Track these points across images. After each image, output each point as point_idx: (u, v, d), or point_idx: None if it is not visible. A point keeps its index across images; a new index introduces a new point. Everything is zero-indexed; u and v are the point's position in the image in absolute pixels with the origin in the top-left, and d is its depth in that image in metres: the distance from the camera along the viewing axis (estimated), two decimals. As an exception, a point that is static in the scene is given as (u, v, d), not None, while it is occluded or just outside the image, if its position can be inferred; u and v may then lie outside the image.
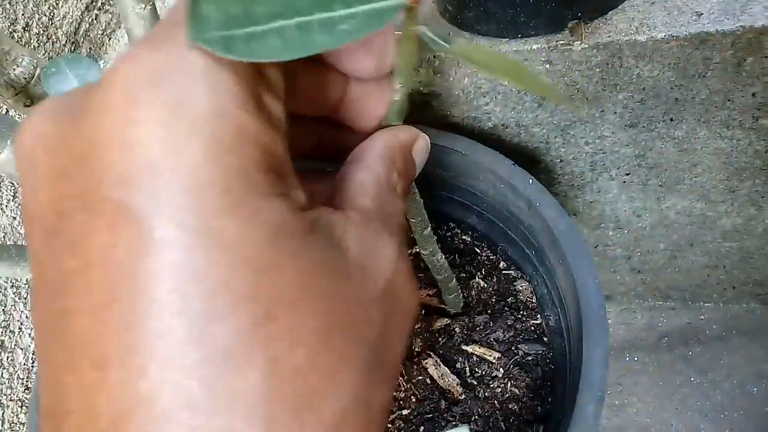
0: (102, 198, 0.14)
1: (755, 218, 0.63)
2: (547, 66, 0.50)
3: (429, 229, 0.38)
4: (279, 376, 0.14)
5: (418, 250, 0.42)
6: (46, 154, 0.15)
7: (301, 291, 0.14)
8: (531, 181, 0.45)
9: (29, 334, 0.54)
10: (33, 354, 0.55)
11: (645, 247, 0.68)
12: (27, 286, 0.55)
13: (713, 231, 0.65)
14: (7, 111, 0.52)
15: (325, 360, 0.14)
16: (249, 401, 0.13)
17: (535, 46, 0.49)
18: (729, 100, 0.52)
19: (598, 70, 0.50)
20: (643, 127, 0.55)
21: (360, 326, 0.16)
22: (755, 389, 0.63)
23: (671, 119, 0.54)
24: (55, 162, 0.15)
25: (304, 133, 0.23)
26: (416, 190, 0.33)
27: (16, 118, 0.46)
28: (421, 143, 0.23)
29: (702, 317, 0.69)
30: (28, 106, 0.37)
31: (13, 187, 0.53)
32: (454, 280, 0.46)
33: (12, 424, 0.53)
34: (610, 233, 0.67)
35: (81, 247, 0.14)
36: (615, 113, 0.54)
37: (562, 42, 0.49)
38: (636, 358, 0.67)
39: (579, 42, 0.48)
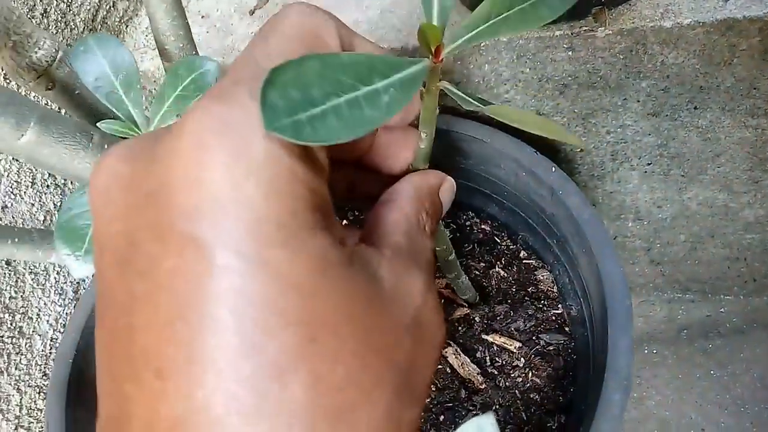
0: (171, 230, 0.15)
1: (778, 210, 0.62)
2: (570, 53, 0.49)
3: (453, 255, 0.39)
4: (320, 390, 0.15)
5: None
6: (121, 191, 0.17)
7: (342, 316, 0.16)
8: (554, 169, 0.45)
9: (47, 321, 0.54)
10: (51, 341, 0.55)
11: (665, 238, 0.67)
12: (45, 272, 0.55)
13: (735, 222, 0.64)
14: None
15: (362, 379, 0.16)
16: (292, 411, 0.15)
17: (557, 33, 0.48)
18: (755, 88, 0.51)
19: (621, 57, 0.49)
20: (666, 115, 0.54)
21: (392, 350, 0.17)
22: (776, 383, 0.62)
23: (695, 108, 0.53)
24: (129, 199, 0.17)
25: (338, 178, 0.25)
26: (441, 222, 0.33)
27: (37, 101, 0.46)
28: (447, 185, 0.25)
29: (722, 310, 0.68)
30: (50, 89, 0.37)
31: (31, 173, 0.53)
32: (474, 292, 0.47)
33: (30, 410, 0.53)
34: (630, 224, 0.66)
35: (150, 273, 0.16)
36: (638, 101, 0.53)
37: (585, 28, 0.48)
38: (655, 351, 0.66)
39: (603, 28, 0.48)
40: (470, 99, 0.23)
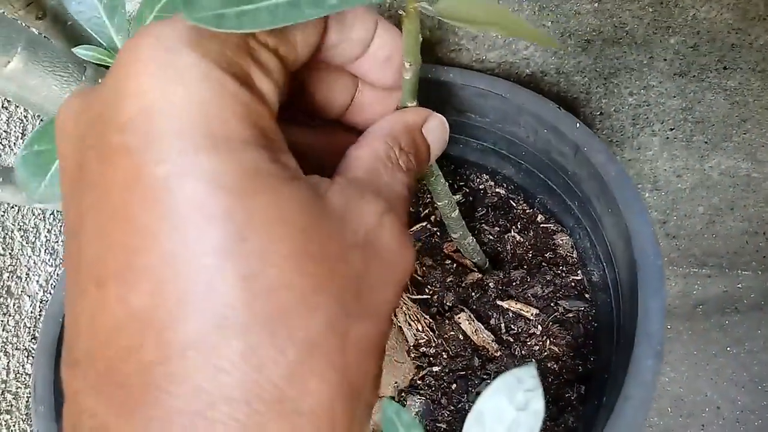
0: (109, 144, 0.16)
1: (803, 181, 0.59)
2: (596, 4, 0.46)
3: (457, 212, 0.36)
4: (252, 291, 0.15)
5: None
6: (73, 121, 0.18)
7: (276, 218, 0.16)
8: (578, 125, 0.42)
9: (37, 281, 0.52)
10: (41, 302, 0.52)
11: (682, 210, 0.64)
12: (35, 230, 0.52)
13: (756, 194, 0.61)
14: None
15: (298, 282, 0.16)
16: (222, 312, 0.15)
17: (584, -19, 0.45)
18: (790, 47, 0.48)
19: (650, 10, 0.46)
20: (694, 76, 0.51)
21: (337, 263, 0.17)
22: (795, 361, 0.60)
23: (724, 68, 0.50)
24: (79, 126, 0.18)
25: (322, 139, 0.25)
26: (439, 173, 0.31)
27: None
28: (433, 122, 0.25)
29: (739, 285, 0.65)
30: (40, 18, 0.34)
31: (22, 123, 0.50)
32: (483, 257, 0.45)
33: (17, 374, 0.51)
34: (647, 195, 0.64)
35: (93, 188, 0.16)
36: (664, 60, 0.50)
37: (614, -23, 0.45)
38: (670, 326, 0.64)
39: (633, -23, 0.45)
40: (428, 6, 0.21)
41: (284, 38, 0.19)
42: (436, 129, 0.25)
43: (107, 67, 0.28)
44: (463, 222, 0.39)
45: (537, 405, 0.21)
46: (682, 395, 0.60)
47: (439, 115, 0.26)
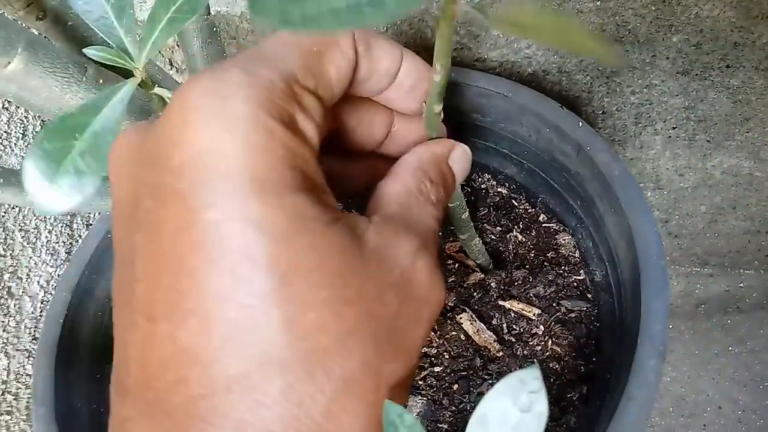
0: (162, 186, 0.17)
1: (806, 180, 0.59)
2: (598, 3, 0.46)
3: (467, 214, 0.36)
4: (292, 333, 0.16)
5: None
6: (128, 157, 0.19)
7: (316, 264, 0.17)
8: (581, 124, 0.42)
9: (38, 282, 0.52)
10: (42, 303, 0.52)
11: (685, 209, 0.64)
12: (36, 231, 0.52)
13: (759, 193, 0.61)
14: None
15: (335, 325, 0.17)
16: (264, 352, 0.16)
17: (586, -20, 0.45)
18: (793, 46, 0.48)
19: (653, 8, 0.46)
20: (696, 74, 0.51)
21: (372, 304, 0.18)
22: (797, 360, 0.60)
23: (727, 66, 0.50)
24: (134, 163, 0.18)
25: (358, 169, 0.26)
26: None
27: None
28: (458, 152, 0.26)
29: (741, 285, 0.65)
30: (41, 19, 0.33)
31: (23, 124, 0.50)
32: (487, 257, 0.44)
33: (18, 375, 0.51)
34: (649, 194, 0.64)
35: (146, 227, 0.17)
36: (667, 58, 0.50)
37: (616, -25, 0.45)
38: (671, 326, 0.64)
39: (635, -25, 0.44)
40: (479, 15, 0.21)
41: (321, 78, 0.20)
42: (460, 158, 0.26)
43: (114, 68, 0.28)
44: (472, 224, 0.39)
45: (541, 407, 0.21)
46: (683, 395, 0.60)
47: (463, 144, 0.27)
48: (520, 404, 0.22)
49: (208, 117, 0.17)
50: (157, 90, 0.29)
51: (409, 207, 0.22)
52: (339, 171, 0.26)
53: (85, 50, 0.27)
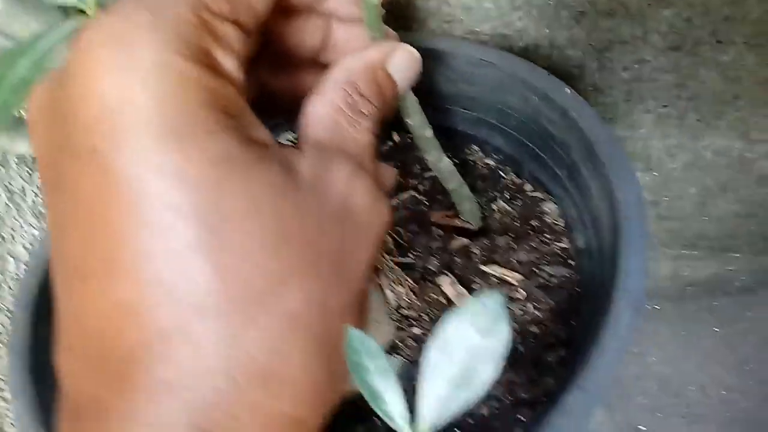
0: (77, 145, 0.16)
1: (796, 163, 0.59)
2: (590, -27, 0.46)
3: (430, 131, 0.35)
4: (227, 280, 0.16)
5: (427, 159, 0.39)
6: (42, 116, 0.18)
7: (247, 207, 0.16)
8: (569, 91, 0.42)
9: (22, 244, 0.52)
10: (25, 265, 0.52)
11: (674, 191, 0.64)
12: (22, 192, 0.52)
13: (749, 175, 0.61)
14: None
15: (273, 267, 0.16)
16: (199, 300, 0.16)
17: (577, -51, 0.45)
18: (784, 21, 0.48)
19: (644, -20, 0.46)
20: (688, 50, 0.51)
21: (313, 239, 0.17)
22: (783, 343, 0.60)
23: (718, 41, 0.50)
24: (48, 124, 0.18)
25: (298, 79, 0.25)
26: (409, 92, 0.29)
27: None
28: (398, 57, 0.24)
29: (730, 268, 0.65)
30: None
31: None
32: (465, 186, 0.43)
33: None
34: (639, 175, 0.64)
35: (67, 189, 0.17)
36: (659, 33, 0.50)
37: (607, -55, 0.45)
38: (658, 306, 0.64)
39: (626, -55, 0.44)
40: None
41: (237, 1, 0.19)
42: (401, 63, 0.24)
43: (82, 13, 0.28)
44: (438, 143, 0.38)
45: (502, 331, 0.21)
46: (668, 376, 0.60)
47: (406, 45, 0.25)
48: (481, 328, 0.22)
49: (115, 66, 0.16)
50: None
51: (339, 126, 0.21)
52: (274, 84, 0.25)
53: None
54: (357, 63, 0.23)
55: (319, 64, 0.26)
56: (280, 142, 0.20)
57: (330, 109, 0.21)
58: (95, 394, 0.16)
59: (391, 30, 0.26)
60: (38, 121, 0.18)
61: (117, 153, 0.16)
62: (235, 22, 0.18)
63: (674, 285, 0.66)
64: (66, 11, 0.32)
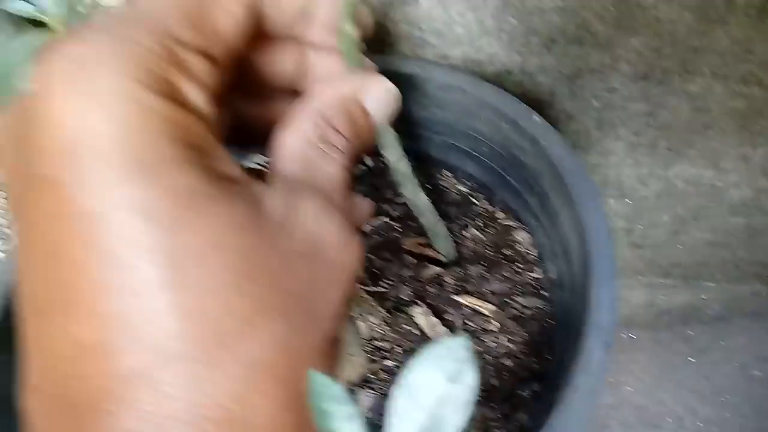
0: (34, 175, 0.16)
1: (766, 191, 0.59)
2: (559, 2, 0.46)
3: (408, 166, 0.34)
4: (190, 321, 0.15)
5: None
6: (5, 139, 0.17)
7: (211, 246, 0.16)
8: (538, 119, 0.41)
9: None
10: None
11: (647, 219, 0.64)
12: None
13: (720, 204, 0.61)
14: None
15: (238, 307, 0.16)
16: (162, 342, 0.15)
17: (547, -22, 0.45)
18: (750, 52, 0.48)
19: (612, 9, 0.46)
20: (657, 80, 0.51)
21: (281, 278, 0.17)
22: (757, 372, 0.59)
23: (686, 71, 0.50)
24: (9, 145, 0.17)
25: (272, 108, 0.24)
26: (386, 126, 0.29)
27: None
28: (374, 91, 0.23)
29: (704, 296, 0.65)
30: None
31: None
32: (441, 222, 0.42)
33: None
34: (612, 202, 0.64)
35: (25, 217, 0.16)
36: (628, 62, 0.50)
37: (576, -26, 0.45)
38: (633, 336, 0.63)
39: (595, -25, 0.45)
40: None
41: (208, 31, 0.18)
42: (379, 98, 0.24)
43: (43, 24, 0.27)
44: (415, 180, 0.37)
45: (469, 378, 0.20)
46: (644, 405, 0.59)
47: (382, 79, 0.24)
48: (448, 374, 0.21)
49: (76, 93, 0.15)
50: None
51: (310, 160, 0.20)
52: (248, 112, 0.24)
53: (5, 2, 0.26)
54: (330, 95, 0.22)
55: (295, 93, 0.25)
56: (250, 176, 0.19)
57: (301, 142, 0.21)
58: None
59: (368, 60, 0.25)
60: (4, 146, 0.18)
61: (78, 185, 0.15)
62: (204, 53, 0.18)
63: (649, 313, 0.65)
64: (20, 23, 0.31)
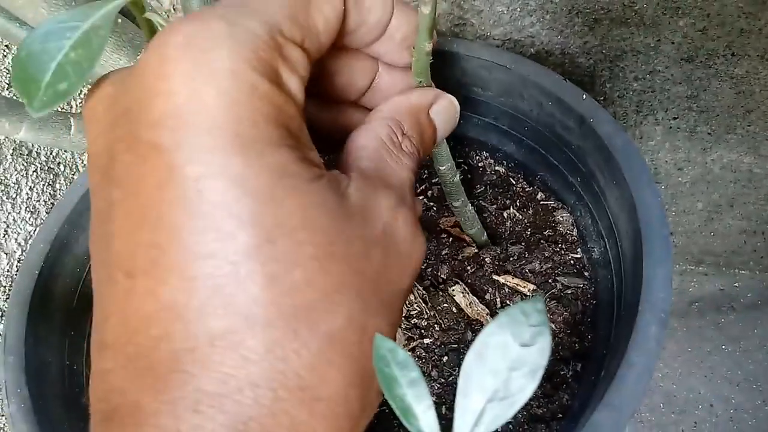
0: (139, 140, 0.16)
1: (805, 179, 0.59)
2: (606, -20, 0.46)
3: (458, 177, 0.35)
4: (277, 290, 0.16)
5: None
6: (105, 110, 0.18)
7: (301, 222, 0.16)
8: (584, 96, 0.41)
9: (15, 239, 0.50)
10: (18, 261, 0.50)
11: (681, 206, 0.63)
12: (17, 186, 0.50)
13: (757, 191, 0.61)
14: None
15: (321, 282, 0.17)
16: (249, 308, 0.16)
17: (595, -45, 0.45)
18: (799, 35, 0.47)
19: (661, -12, 0.46)
20: (701, 62, 0.50)
21: (358, 260, 0.18)
22: (790, 362, 0.59)
23: (732, 54, 0.49)
24: (110, 115, 0.18)
25: (339, 117, 0.26)
26: (443, 140, 0.31)
27: None
28: (441, 103, 0.25)
29: (736, 284, 0.64)
30: None
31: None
32: (483, 231, 0.43)
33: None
34: (646, 188, 0.63)
35: (123, 181, 0.17)
36: (672, 43, 0.49)
37: (625, -49, 0.44)
38: (664, 322, 0.63)
39: (645, -48, 0.44)
40: None
41: (308, 30, 0.19)
42: (443, 110, 0.25)
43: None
44: (463, 189, 0.38)
45: (543, 342, 0.20)
46: (674, 392, 0.58)
47: (449, 95, 0.26)
48: (521, 338, 0.20)
49: (189, 70, 0.16)
50: (148, 15, 0.27)
51: (382, 159, 0.21)
52: (317, 119, 0.25)
53: None
54: (403, 103, 0.24)
55: (359, 107, 0.27)
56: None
57: (375, 142, 0.22)
58: (134, 399, 0.16)
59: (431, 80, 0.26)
60: (98, 109, 0.18)
61: (182, 152, 0.16)
62: (302, 48, 0.19)
63: (680, 301, 0.65)
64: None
